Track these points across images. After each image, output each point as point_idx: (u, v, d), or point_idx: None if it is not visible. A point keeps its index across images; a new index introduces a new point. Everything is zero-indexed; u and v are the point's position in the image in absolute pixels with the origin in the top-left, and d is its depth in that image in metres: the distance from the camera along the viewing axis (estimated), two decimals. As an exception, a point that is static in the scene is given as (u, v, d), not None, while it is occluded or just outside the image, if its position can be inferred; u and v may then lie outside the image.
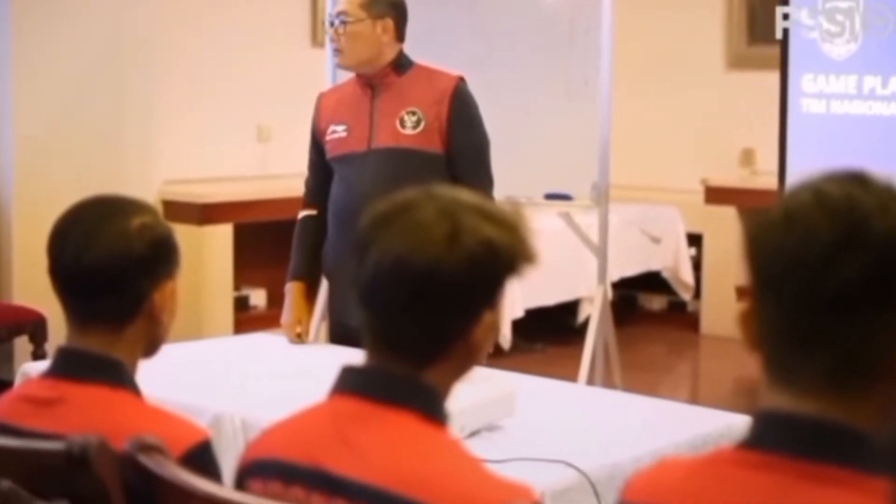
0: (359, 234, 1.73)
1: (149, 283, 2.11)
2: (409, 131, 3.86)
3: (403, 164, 3.82)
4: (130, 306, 2.10)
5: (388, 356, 1.71)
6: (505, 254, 1.70)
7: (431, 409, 1.70)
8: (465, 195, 1.74)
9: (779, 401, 1.44)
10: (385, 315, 1.71)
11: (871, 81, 5.16)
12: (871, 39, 5.15)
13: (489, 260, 1.69)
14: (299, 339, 3.95)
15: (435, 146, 3.87)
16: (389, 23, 3.92)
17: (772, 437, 1.44)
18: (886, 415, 1.43)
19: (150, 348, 2.17)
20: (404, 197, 1.72)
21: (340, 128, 3.94)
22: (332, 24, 3.95)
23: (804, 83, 5.33)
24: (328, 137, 3.96)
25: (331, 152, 3.96)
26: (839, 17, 5.21)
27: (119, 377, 2.08)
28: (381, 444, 1.67)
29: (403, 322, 1.70)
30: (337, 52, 3.96)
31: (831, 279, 1.37)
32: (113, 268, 2.07)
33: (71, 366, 2.10)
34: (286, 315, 3.99)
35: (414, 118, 3.87)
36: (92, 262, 2.07)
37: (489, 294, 1.71)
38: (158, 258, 2.12)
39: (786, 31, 5.36)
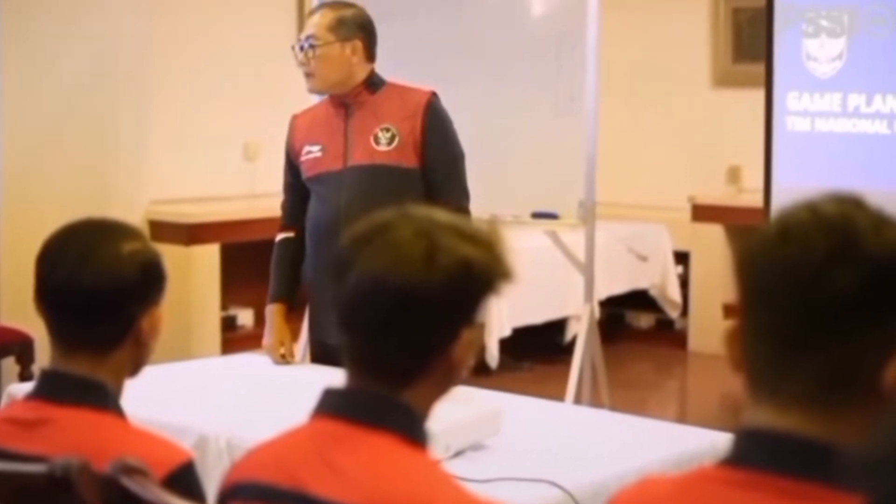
0: (336, 256, 1.73)
1: (139, 308, 2.11)
2: (383, 147, 3.88)
3: (379, 181, 3.84)
4: (119, 331, 2.11)
5: (367, 377, 1.72)
6: (482, 272, 1.71)
7: (411, 430, 1.70)
8: (441, 215, 1.75)
9: (762, 417, 1.45)
10: (364, 336, 1.71)
11: (856, 99, 5.17)
12: (855, 57, 5.17)
13: (467, 279, 1.69)
14: (284, 360, 3.96)
15: (410, 161, 3.89)
16: (358, 44, 3.93)
17: (754, 455, 1.44)
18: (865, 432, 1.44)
19: (134, 371, 2.17)
20: (381, 218, 1.73)
21: (315, 148, 3.96)
22: (301, 48, 3.94)
23: (789, 101, 5.35)
24: (303, 158, 3.98)
25: (307, 172, 3.98)
26: (824, 35, 5.23)
27: (104, 400, 2.08)
28: (361, 466, 1.67)
29: (382, 342, 1.70)
30: (308, 76, 3.96)
31: (825, 289, 1.39)
32: (104, 293, 2.07)
33: (55, 388, 2.10)
34: (268, 337, 4.00)
35: (388, 134, 3.88)
36: (84, 285, 2.07)
37: (467, 312, 1.71)
38: (149, 284, 2.12)
39: (769, 50, 5.38)
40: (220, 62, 7.12)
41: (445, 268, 1.67)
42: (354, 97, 3.94)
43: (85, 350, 2.10)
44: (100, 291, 2.07)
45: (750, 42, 7.74)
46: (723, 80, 8.20)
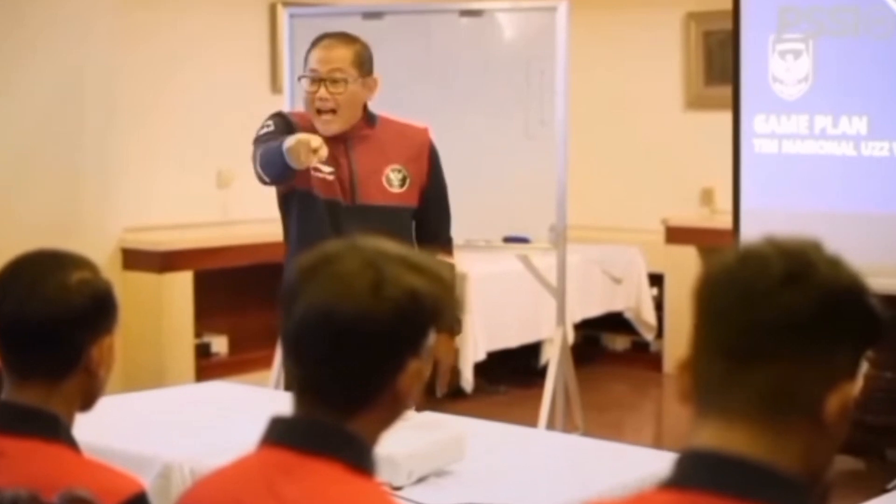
0: (284, 287, 1.74)
1: (87, 338, 2.11)
2: (396, 189, 3.88)
3: (391, 221, 3.77)
4: (68, 361, 2.10)
5: (314, 406, 1.72)
6: (429, 303, 1.72)
7: (358, 458, 1.71)
8: (388, 245, 1.76)
9: (706, 436, 1.46)
10: (311, 365, 1.72)
11: (822, 121, 5.21)
12: (821, 79, 5.20)
13: (413, 309, 1.70)
14: (315, 154, 3.56)
15: (415, 201, 3.92)
16: (375, 80, 3.87)
17: (695, 476, 1.46)
18: (810, 460, 1.46)
19: (87, 402, 2.17)
20: (329, 249, 1.74)
21: (327, 169, 3.81)
22: (319, 80, 3.77)
23: (756, 123, 5.38)
24: (313, 173, 3.79)
25: (320, 193, 3.81)
26: (790, 57, 5.26)
27: (55, 431, 2.08)
28: (307, 496, 1.67)
29: (329, 372, 1.70)
30: (328, 112, 3.79)
31: (777, 308, 1.42)
32: (52, 323, 2.08)
33: (7, 419, 2.10)
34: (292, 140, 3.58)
35: (399, 176, 3.88)
36: (31, 316, 2.08)
37: (414, 343, 1.72)
38: (97, 313, 2.12)
39: (736, 73, 5.41)
40: (193, 89, 7.13)
41: (392, 298, 1.68)
42: (356, 131, 3.86)
43: (36, 380, 2.10)
44: (47, 321, 2.07)
45: (721, 65, 7.78)
46: (695, 102, 8.23)
